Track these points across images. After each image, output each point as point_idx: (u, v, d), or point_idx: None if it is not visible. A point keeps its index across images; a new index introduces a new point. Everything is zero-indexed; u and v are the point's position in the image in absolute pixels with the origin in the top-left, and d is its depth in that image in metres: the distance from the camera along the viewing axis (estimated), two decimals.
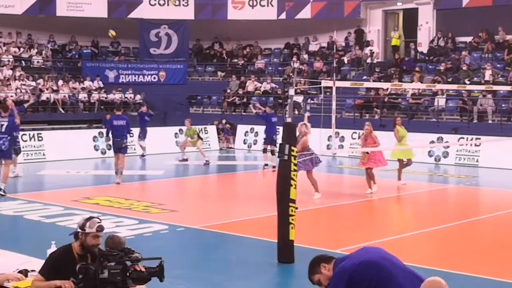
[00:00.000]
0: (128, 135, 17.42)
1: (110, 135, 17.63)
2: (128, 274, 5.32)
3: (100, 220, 5.72)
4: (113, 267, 5.28)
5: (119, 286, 5.29)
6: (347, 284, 5.09)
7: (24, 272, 6.02)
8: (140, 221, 12.11)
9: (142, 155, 22.95)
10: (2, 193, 14.87)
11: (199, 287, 8.40)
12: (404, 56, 29.14)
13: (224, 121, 27.06)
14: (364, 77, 27.22)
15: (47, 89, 27.62)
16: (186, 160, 21.66)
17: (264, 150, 20.26)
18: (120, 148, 17.19)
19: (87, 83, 29.38)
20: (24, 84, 27.17)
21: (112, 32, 22.32)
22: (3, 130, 15.11)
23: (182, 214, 13.25)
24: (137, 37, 32.19)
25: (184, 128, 22.91)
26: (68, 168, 20.03)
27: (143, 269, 5.36)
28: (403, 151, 16.81)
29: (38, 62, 30.01)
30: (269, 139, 20.07)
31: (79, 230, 5.60)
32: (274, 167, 18.91)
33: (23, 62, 29.35)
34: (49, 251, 6.03)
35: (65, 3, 30.05)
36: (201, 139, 22.32)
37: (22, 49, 29.94)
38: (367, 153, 15.30)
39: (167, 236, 11.19)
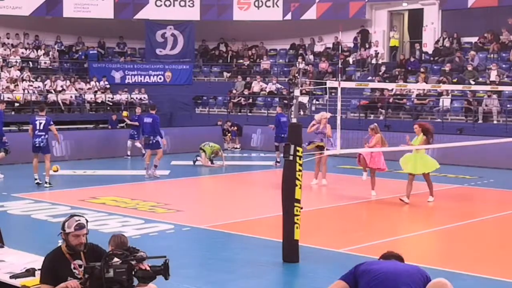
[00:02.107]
0: (156, 133, 18.19)
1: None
2: (133, 273, 5.35)
3: (81, 218, 5.64)
4: (119, 266, 5.31)
5: (125, 285, 5.32)
6: (355, 273, 5.21)
7: (32, 271, 6.08)
8: (146, 220, 12.18)
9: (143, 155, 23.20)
10: (47, 185, 16.05)
11: (204, 286, 8.45)
12: (409, 56, 29.16)
13: (229, 123, 27.03)
14: (369, 78, 27.26)
15: (54, 90, 27.78)
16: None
17: (277, 148, 21.21)
18: (147, 144, 18.30)
19: (93, 84, 29.52)
20: (31, 85, 27.33)
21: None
22: (41, 128, 16.11)
23: (187, 214, 13.30)
24: (143, 38, 32.32)
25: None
26: (75, 168, 20.15)
27: (148, 268, 5.38)
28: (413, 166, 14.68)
29: (45, 63, 30.18)
30: (279, 138, 20.75)
31: (61, 231, 5.59)
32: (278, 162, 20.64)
33: (30, 63, 29.53)
34: None
35: (72, 4, 30.21)
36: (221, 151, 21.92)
37: (29, 50, 30.11)
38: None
39: (173, 235, 11.26)
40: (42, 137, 16.12)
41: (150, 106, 19.84)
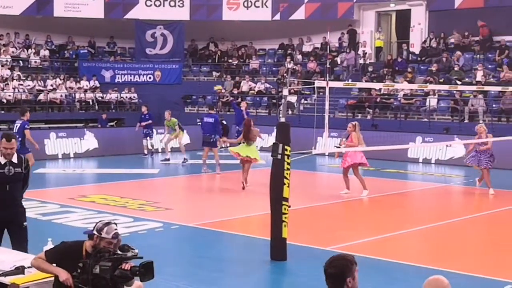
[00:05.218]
0: (217, 132, 19.21)
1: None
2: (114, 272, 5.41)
3: (117, 226, 5.75)
4: (104, 264, 5.40)
5: (109, 283, 5.41)
6: None
7: (21, 269, 6.05)
8: (135, 219, 12.26)
9: (152, 154, 23.78)
10: None
11: (193, 284, 8.51)
12: (396, 57, 29.39)
13: None
14: (349, 81, 27.27)
15: (45, 89, 27.80)
16: (169, 160, 21.93)
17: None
18: (208, 143, 19.15)
19: (83, 83, 29.57)
20: (22, 84, 27.36)
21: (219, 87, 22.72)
22: (15, 130, 16.25)
23: (176, 212, 13.40)
24: (133, 38, 32.36)
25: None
26: (65, 166, 20.24)
27: (129, 268, 5.41)
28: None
29: (35, 62, 30.19)
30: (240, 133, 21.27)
31: (95, 232, 5.63)
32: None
33: (20, 62, 29.54)
34: (45, 248, 6.07)
35: (62, 4, 30.23)
36: (182, 130, 22.56)
37: (19, 50, 30.11)
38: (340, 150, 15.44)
39: (161, 234, 11.34)
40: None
41: (208, 106, 20.57)
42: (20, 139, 16.27)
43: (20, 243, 7.34)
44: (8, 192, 7.33)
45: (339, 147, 16.11)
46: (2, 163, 7.28)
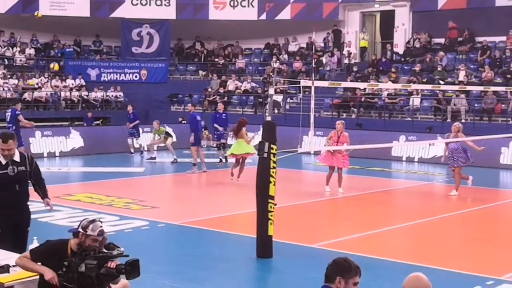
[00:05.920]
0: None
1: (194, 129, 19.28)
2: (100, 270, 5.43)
3: (102, 224, 5.76)
4: (89, 262, 5.42)
5: (94, 281, 5.43)
6: None
7: (6, 267, 6.06)
8: (121, 217, 12.30)
9: (141, 152, 23.74)
10: None
11: (179, 282, 8.57)
12: (381, 57, 29.62)
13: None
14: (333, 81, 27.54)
15: (31, 86, 27.77)
16: (155, 158, 22.08)
17: (220, 146, 21.59)
18: (201, 141, 19.32)
19: (69, 81, 29.55)
20: (7, 83, 27.31)
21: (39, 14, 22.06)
22: (8, 119, 17.79)
23: (162, 211, 13.47)
24: (119, 36, 32.34)
25: (150, 127, 23.79)
26: (50, 165, 20.25)
27: (114, 266, 5.41)
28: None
29: (20, 60, 30.13)
30: (219, 135, 21.50)
31: (80, 230, 5.63)
32: (220, 160, 21.20)
33: (5, 60, 29.47)
34: (31, 247, 6.11)
35: (48, 2, 30.19)
36: (171, 136, 22.68)
37: (5, 48, 30.04)
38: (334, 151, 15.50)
39: (147, 232, 11.40)
40: (10, 129, 16.86)
41: (194, 104, 21.30)
42: (14, 127, 17.21)
43: (20, 248, 7.09)
44: (18, 192, 7.23)
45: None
46: (3, 163, 7.13)
